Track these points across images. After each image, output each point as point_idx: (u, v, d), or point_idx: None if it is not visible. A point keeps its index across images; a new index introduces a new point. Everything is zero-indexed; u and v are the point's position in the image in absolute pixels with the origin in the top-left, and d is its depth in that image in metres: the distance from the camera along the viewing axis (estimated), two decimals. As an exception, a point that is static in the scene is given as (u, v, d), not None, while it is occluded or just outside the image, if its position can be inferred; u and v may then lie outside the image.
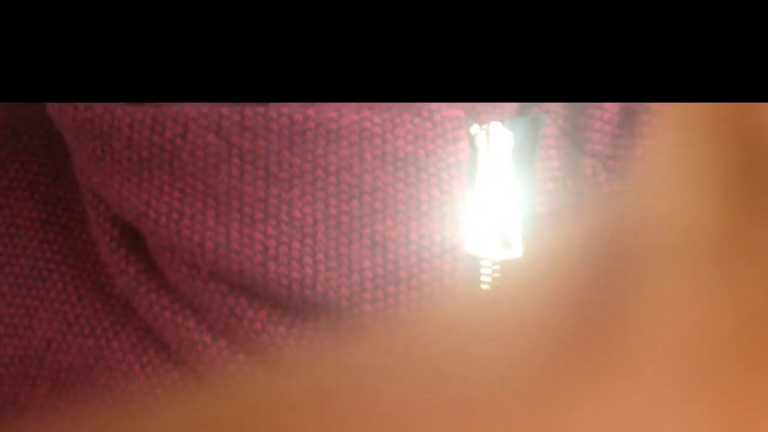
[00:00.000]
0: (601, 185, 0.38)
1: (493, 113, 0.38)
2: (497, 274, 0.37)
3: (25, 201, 0.41)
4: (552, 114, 0.39)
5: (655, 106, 0.39)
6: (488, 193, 0.37)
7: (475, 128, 0.37)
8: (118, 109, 0.36)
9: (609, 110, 0.39)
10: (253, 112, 0.35)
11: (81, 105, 0.36)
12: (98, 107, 0.36)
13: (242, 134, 0.35)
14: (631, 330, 0.16)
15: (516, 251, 0.37)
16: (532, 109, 0.39)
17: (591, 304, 0.16)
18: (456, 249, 0.35)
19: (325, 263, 0.35)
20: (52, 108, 0.38)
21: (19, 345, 0.39)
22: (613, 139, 0.38)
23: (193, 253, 0.35)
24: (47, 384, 0.39)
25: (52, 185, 0.41)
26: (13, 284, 0.40)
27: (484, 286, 0.37)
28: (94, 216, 0.39)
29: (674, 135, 0.18)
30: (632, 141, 0.38)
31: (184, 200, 0.35)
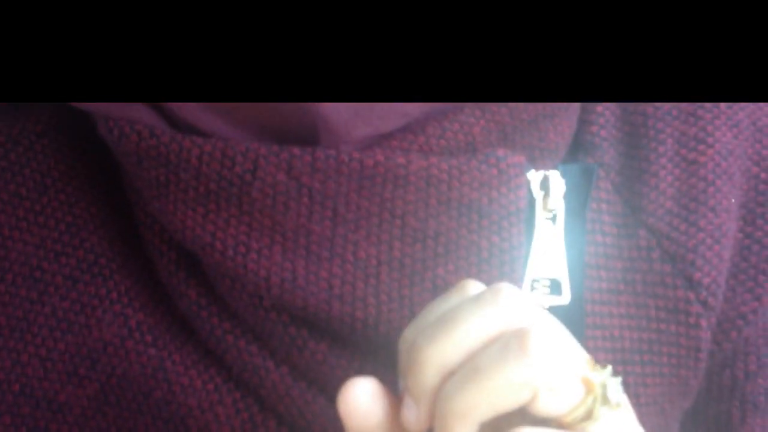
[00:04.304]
0: (654, 261, 0.39)
1: (548, 159, 0.39)
2: None
3: (83, 192, 0.40)
4: (605, 167, 0.40)
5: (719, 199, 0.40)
6: (542, 239, 0.38)
7: (531, 174, 0.38)
8: (186, 139, 0.36)
9: (664, 179, 0.40)
10: (325, 154, 0.35)
11: (145, 132, 0.36)
12: (165, 136, 0.36)
13: (313, 175, 0.35)
14: None
15: (564, 298, 0.38)
16: (585, 158, 0.40)
17: None
18: None
19: (387, 304, 0.36)
20: (110, 134, 0.37)
21: (72, 342, 0.38)
22: (670, 216, 0.39)
23: (258, 286, 0.36)
24: (95, 386, 0.38)
25: (112, 186, 0.40)
26: (68, 277, 0.39)
27: None
28: (149, 237, 0.38)
29: None
30: (690, 228, 0.39)
31: (251, 234, 0.36)
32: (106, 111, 0.37)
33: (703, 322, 0.39)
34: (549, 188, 0.38)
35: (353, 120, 0.36)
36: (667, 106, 0.41)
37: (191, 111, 0.36)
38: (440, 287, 0.36)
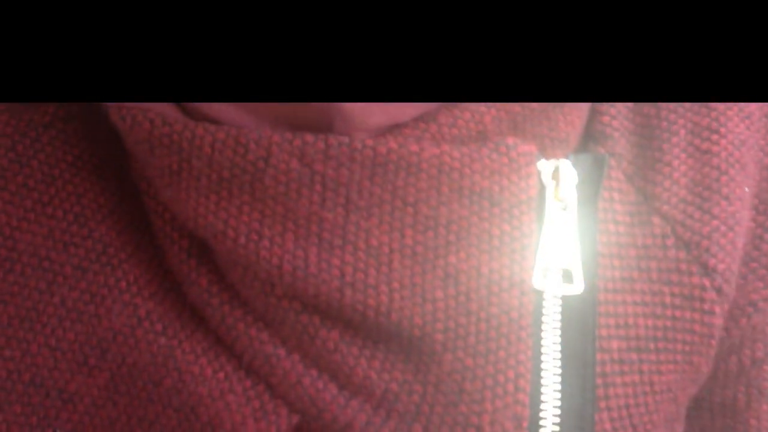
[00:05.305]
0: (668, 249, 0.39)
1: (558, 149, 0.39)
2: (559, 308, 0.38)
3: (91, 182, 0.40)
4: (617, 156, 0.40)
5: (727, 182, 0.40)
6: (554, 228, 0.38)
7: (542, 164, 0.38)
8: (199, 127, 0.36)
9: (677, 169, 0.40)
10: (338, 141, 0.35)
11: (158, 120, 0.36)
12: (177, 124, 0.36)
13: (326, 162, 0.35)
14: None
15: (577, 287, 0.38)
16: (596, 148, 0.40)
17: None
18: (523, 283, 0.36)
19: (399, 292, 0.36)
20: (122, 122, 0.37)
21: (82, 331, 0.38)
22: (684, 204, 0.40)
23: (270, 274, 0.36)
24: (105, 376, 0.38)
25: (120, 176, 0.40)
26: (77, 267, 0.39)
27: (545, 319, 0.38)
28: (160, 224, 0.38)
29: None
30: (704, 215, 0.39)
31: (264, 222, 0.36)
32: None
33: (717, 309, 0.39)
34: (560, 178, 0.38)
35: (369, 109, 0.36)
36: None
37: None
38: (451, 275, 0.36)
